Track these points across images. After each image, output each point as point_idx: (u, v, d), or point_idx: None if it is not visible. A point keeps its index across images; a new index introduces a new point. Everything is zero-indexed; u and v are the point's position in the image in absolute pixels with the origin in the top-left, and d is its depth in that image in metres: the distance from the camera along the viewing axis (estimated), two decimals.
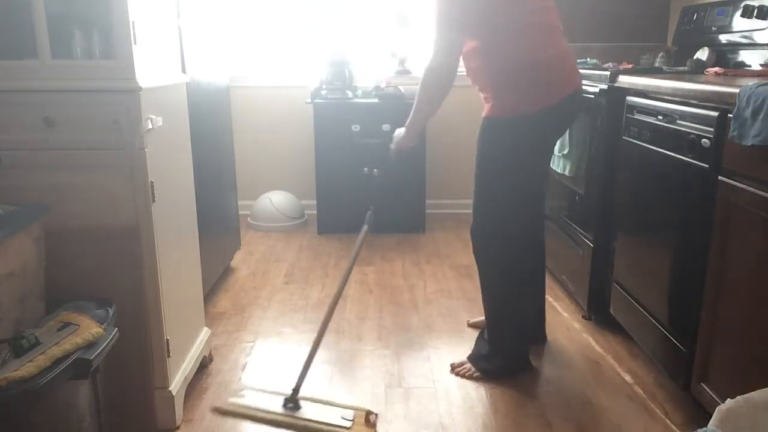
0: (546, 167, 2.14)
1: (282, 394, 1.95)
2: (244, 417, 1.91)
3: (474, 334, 2.33)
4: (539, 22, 1.94)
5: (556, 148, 2.66)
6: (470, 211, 2.15)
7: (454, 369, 2.19)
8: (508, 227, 2.06)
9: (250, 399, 1.98)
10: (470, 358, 2.20)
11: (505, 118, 1.97)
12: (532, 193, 2.12)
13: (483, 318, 2.24)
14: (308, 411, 1.91)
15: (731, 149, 1.61)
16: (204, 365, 2.18)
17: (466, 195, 2.94)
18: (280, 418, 1.88)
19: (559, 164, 2.70)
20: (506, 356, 2.14)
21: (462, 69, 2.05)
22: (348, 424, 1.86)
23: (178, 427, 1.85)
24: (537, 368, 2.21)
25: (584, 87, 2.46)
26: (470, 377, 2.14)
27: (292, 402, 1.93)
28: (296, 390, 1.94)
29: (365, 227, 2.17)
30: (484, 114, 2.05)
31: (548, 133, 2.06)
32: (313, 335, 2.46)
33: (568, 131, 2.53)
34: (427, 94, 1.98)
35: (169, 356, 1.80)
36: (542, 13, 1.95)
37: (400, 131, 2.15)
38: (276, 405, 1.93)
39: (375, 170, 2.32)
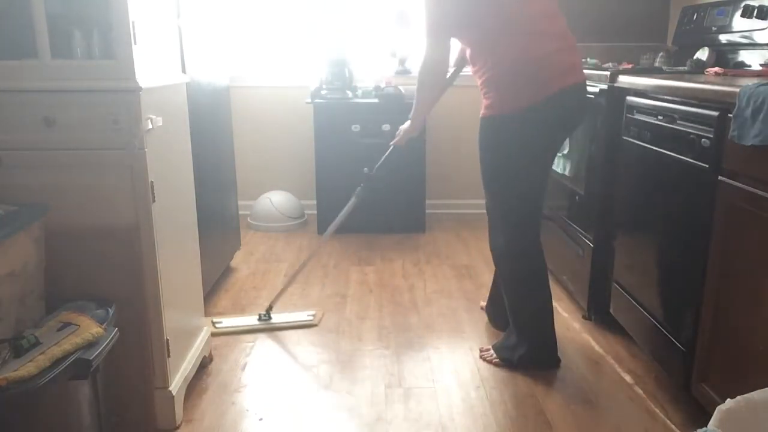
0: (544, 167, 2.14)
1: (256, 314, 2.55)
2: (232, 333, 2.44)
3: (474, 327, 2.32)
4: (525, 23, 1.99)
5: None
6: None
7: (481, 353, 2.30)
8: (519, 227, 2.15)
9: (229, 322, 2.54)
10: (495, 347, 2.27)
11: (495, 116, 2.05)
12: (533, 193, 2.13)
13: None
14: (279, 318, 2.55)
15: (731, 149, 1.61)
16: (204, 365, 2.18)
17: (466, 195, 2.95)
18: (259, 326, 2.50)
19: (559, 164, 2.70)
20: (530, 345, 2.17)
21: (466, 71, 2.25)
22: (313, 318, 2.57)
23: (178, 427, 1.85)
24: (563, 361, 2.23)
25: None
26: (490, 362, 2.24)
27: (266, 315, 2.54)
28: (270, 307, 2.56)
29: (353, 200, 2.60)
30: (482, 114, 2.12)
31: (537, 132, 2.04)
32: (314, 335, 2.47)
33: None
34: (422, 87, 2.19)
35: (169, 356, 1.80)
36: (529, 14, 2.00)
37: (404, 126, 2.41)
38: (252, 320, 2.54)
39: (365, 169, 2.65)
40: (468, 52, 2.12)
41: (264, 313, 2.54)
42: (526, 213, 2.14)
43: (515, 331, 2.20)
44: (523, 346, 2.18)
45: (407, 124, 2.38)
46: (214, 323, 2.49)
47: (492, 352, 2.26)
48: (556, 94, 1.98)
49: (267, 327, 2.50)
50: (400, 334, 2.48)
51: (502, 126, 2.04)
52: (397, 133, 2.44)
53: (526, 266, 2.16)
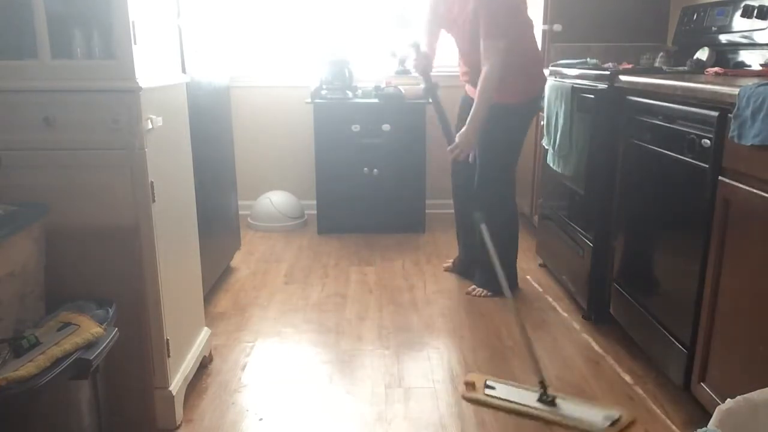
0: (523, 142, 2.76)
1: (526, 388, 2.00)
2: (504, 409, 1.92)
3: (474, 327, 2.32)
4: (531, 25, 2.58)
5: (557, 147, 2.66)
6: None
7: (470, 293, 2.80)
8: (508, 183, 2.76)
9: (502, 391, 1.99)
10: (478, 284, 2.83)
11: (513, 103, 2.57)
12: (515, 161, 2.77)
13: (452, 260, 3.08)
14: (566, 408, 1.88)
15: (731, 149, 1.61)
16: (204, 365, 2.18)
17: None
18: (538, 413, 1.88)
19: (559, 164, 2.70)
20: (511, 275, 2.74)
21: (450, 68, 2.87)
22: (615, 418, 1.82)
23: (178, 427, 1.85)
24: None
25: (584, 87, 2.48)
26: (485, 297, 2.78)
27: (547, 396, 1.92)
28: (544, 384, 1.93)
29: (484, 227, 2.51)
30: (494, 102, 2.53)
31: (530, 117, 2.68)
32: (313, 335, 2.47)
33: (569, 131, 2.54)
34: (487, 95, 2.50)
35: (169, 356, 1.80)
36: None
37: (463, 133, 2.61)
38: (531, 399, 1.93)
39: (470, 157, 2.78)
40: (469, 49, 2.56)
41: (543, 392, 1.93)
42: (513, 173, 2.77)
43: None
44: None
45: (468, 126, 2.57)
46: (487, 385, 2.04)
47: (480, 289, 2.81)
48: (540, 90, 2.65)
49: (551, 417, 1.86)
50: (400, 334, 2.48)
51: (514, 111, 2.59)
52: (458, 144, 2.61)
53: (514, 210, 2.80)
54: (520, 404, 1.92)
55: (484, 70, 2.47)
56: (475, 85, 2.59)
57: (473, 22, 2.50)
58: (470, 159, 2.67)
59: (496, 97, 2.50)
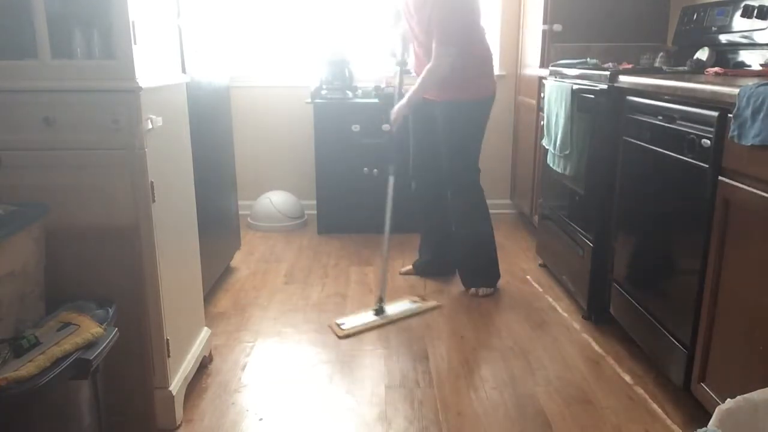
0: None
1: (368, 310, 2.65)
2: (361, 332, 2.49)
3: (474, 328, 2.32)
4: (485, 32, 2.80)
5: (557, 147, 2.67)
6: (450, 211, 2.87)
7: (478, 294, 2.85)
8: (475, 177, 2.88)
9: (351, 321, 2.57)
10: (473, 285, 2.87)
11: (476, 99, 2.77)
12: (478, 155, 2.91)
13: (411, 267, 3.13)
14: (392, 311, 2.65)
15: (731, 149, 1.61)
16: (204, 365, 2.18)
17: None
18: (380, 322, 2.57)
19: (559, 164, 2.70)
20: (494, 266, 2.91)
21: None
22: (419, 303, 2.74)
23: (178, 427, 1.85)
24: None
25: (584, 87, 2.48)
26: (484, 295, 2.84)
27: (381, 310, 2.63)
28: (381, 299, 2.65)
29: (391, 179, 2.89)
30: (449, 98, 2.74)
31: (488, 113, 2.85)
32: (314, 335, 2.47)
33: (569, 131, 2.54)
34: (427, 85, 2.74)
35: (169, 356, 1.80)
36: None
37: (401, 103, 2.82)
38: (370, 316, 2.61)
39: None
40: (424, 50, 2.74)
41: (377, 307, 2.63)
42: (477, 165, 2.90)
43: (485, 256, 2.87)
44: (495, 268, 2.91)
45: (404, 101, 2.79)
46: (338, 325, 2.53)
47: (474, 289, 2.86)
48: (494, 91, 2.83)
49: (388, 321, 2.58)
50: (400, 334, 2.48)
51: (475, 107, 2.78)
52: (392, 115, 2.83)
53: (482, 197, 2.89)
54: (364, 324, 2.54)
55: (429, 64, 2.69)
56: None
57: (429, 25, 2.67)
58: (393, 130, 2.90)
59: (460, 96, 2.74)
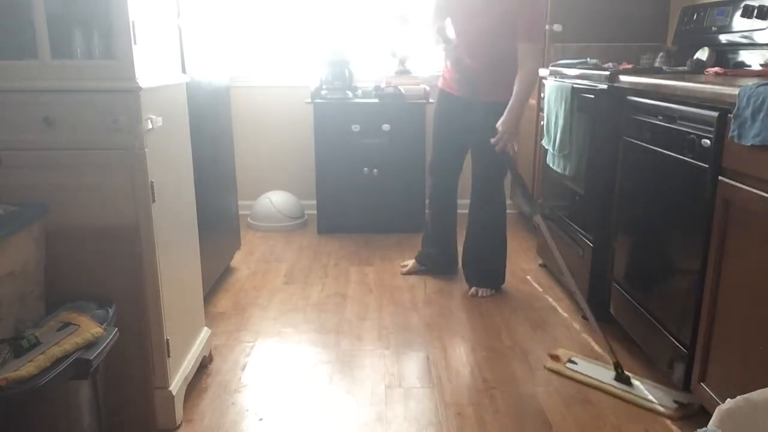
0: None
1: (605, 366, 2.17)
2: (582, 383, 2.10)
3: (474, 328, 2.31)
4: None
5: (557, 147, 2.67)
6: (468, 211, 2.86)
7: (477, 294, 2.83)
8: (504, 180, 2.86)
9: (582, 367, 2.17)
10: (478, 285, 2.85)
11: (507, 102, 2.61)
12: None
13: (413, 261, 3.10)
14: (639, 388, 2.05)
15: (731, 149, 1.61)
16: (204, 365, 2.18)
17: (465, 195, 2.96)
18: (615, 390, 2.04)
19: (559, 164, 2.70)
20: (502, 269, 2.91)
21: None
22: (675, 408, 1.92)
23: (178, 427, 1.85)
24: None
25: (584, 87, 2.49)
26: (488, 296, 2.82)
27: (626, 379, 2.08)
28: (619, 365, 2.09)
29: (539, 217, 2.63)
30: (493, 99, 2.61)
31: None
32: (315, 335, 2.47)
33: (569, 131, 2.54)
34: (530, 90, 2.60)
35: (169, 356, 1.80)
36: None
37: (507, 120, 2.60)
38: (608, 377, 2.10)
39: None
40: (494, 47, 2.62)
41: (621, 371, 2.09)
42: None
43: (500, 260, 2.90)
44: (502, 270, 2.91)
45: (511, 116, 2.58)
46: (570, 360, 2.21)
47: (481, 290, 2.84)
48: None
49: (623, 395, 2.01)
50: (400, 334, 2.48)
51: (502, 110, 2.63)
52: (501, 136, 2.59)
53: (505, 201, 2.88)
54: (599, 380, 2.08)
55: (521, 72, 2.55)
56: (467, 82, 2.66)
57: (500, 21, 2.55)
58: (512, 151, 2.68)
59: (505, 97, 2.58)
